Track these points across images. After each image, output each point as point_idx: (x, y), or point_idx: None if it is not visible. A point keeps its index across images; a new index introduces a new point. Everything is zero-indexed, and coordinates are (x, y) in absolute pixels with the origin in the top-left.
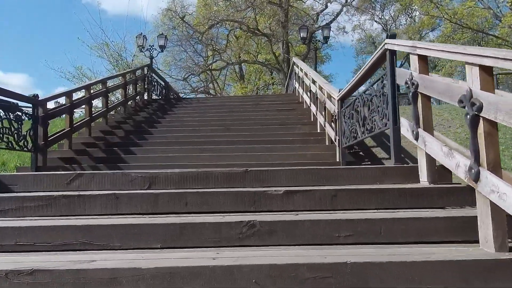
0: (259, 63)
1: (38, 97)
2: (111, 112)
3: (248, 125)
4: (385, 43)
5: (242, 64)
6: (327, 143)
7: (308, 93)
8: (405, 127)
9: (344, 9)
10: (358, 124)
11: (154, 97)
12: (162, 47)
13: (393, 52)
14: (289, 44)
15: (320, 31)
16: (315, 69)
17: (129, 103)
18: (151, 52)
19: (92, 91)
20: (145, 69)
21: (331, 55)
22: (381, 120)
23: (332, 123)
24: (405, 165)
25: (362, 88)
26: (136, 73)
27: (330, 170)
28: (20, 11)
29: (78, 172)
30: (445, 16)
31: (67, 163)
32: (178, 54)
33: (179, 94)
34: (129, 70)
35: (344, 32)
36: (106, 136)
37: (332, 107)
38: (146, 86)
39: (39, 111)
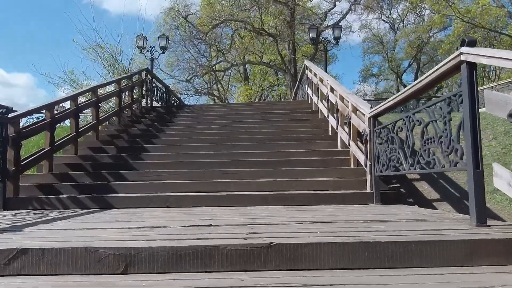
0: (264, 64)
1: (8, 113)
2: (105, 123)
3: (257, 140)
4: (461, 53)
5: (246, 65)
6: (352, 165)
7: (325, 102)
8: (505, 181)
9: (352, 7)
10: (402, 153)
11: (154, 103)
12: (164, 49)
13: (472, 66)
14: (296, 44)
15: (328, 31)
16: (325, 71)
17: (125, 111)
18: (152, 53)
19: (81, 101)
20: (143, 73)
21: (337, 55)
22: (446, 155)
23: (359, 142)
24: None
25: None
26: (133, 79)
27: (395, 244)
28: (24, 9)
29: (21, 248)
30: (457, 15)
31: (43, 193)
32: (181, 54)
33: (182, 96)
34: (124, 76)
35: (351, 32)
36: (95, 155)
37: (361, 124)
38: (144, 93)
39: (9, 130)
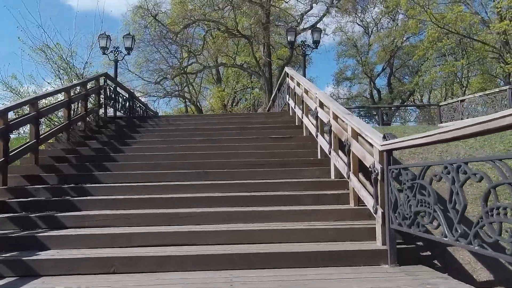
0: (237, 67)
1: None
2: (52, 140)
3: (233, 166)
4: None
5: (219, 67)
6: (352, 204)
7: (312, 119)
8: None
9: (330, 9)
10: (441, 213)
11: (112, 113)
12: (129, 49)
13: None
14: (271, 47)
15: (304, 33)
16: (304, 76)
17: (79, 124)
18: (116, 55)
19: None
20: (102, 79)
21: (311, 57)
22: None
23: (361, 175)
24: None
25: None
26: (89, 85)
27: None
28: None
29: None
30: (432, 21)
31: None
32: (150, 55)
33: (151, 98)
34: (76, 83)
35: (325, 34)
36: (29, 187)
37: (366, 156)
38: (102, 101)
39: None
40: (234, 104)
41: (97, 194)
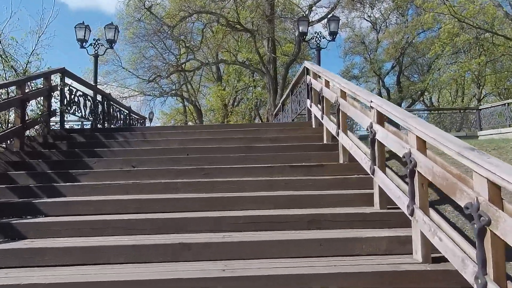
0: (239, 64)
1: None
2: None
3: (232, 226)
4: None
5: (219, 64)
6: None
7: (364, 145)
8: None
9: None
10: None
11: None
12: (112, 42)
13: None
14: (275, 41)
15: (311, 28)
16: None
17: (12, 142)
18: (97, 48)
19: None
20: (56, 77)
21: (313, 54)
22: None
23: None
24: None
25: None
26: (30, 86)
27: None
28: None
29: None
30: (452, 14)
31: None
32: (145, 50)
33: (147, 98)
34: (6, 82)
35: (324, 39)
36: None
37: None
38: (55, 108)
39: None
40: (235, 104)
41: None
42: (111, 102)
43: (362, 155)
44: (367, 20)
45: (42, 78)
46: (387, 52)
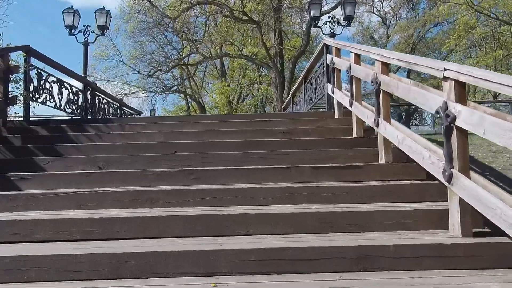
0: (244, 57)
1: None
2: None
3: (237, 267)
4: None
5: (224, 59)
6: None
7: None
8: None
9: None
10: None
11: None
12: (104, 28)
13: None
14: (283, 34)
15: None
16: None
17: None
18: (87, 35)
19: None
20: (18, 56)
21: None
22: None
23: None
24: None
25: None
26: None
27: None
28: None
29: None
30: (469, 4)
31: None
32: (147, 45)
33: (148, 94)
34: None
35: (338, 25)
36: None
37: None
38: (15, 94)
39: None
40: (240, 101)
41: None
42: (97, 93)
43: (423, 151)
44: (376, 14)
45: None
46: (398, 47)
